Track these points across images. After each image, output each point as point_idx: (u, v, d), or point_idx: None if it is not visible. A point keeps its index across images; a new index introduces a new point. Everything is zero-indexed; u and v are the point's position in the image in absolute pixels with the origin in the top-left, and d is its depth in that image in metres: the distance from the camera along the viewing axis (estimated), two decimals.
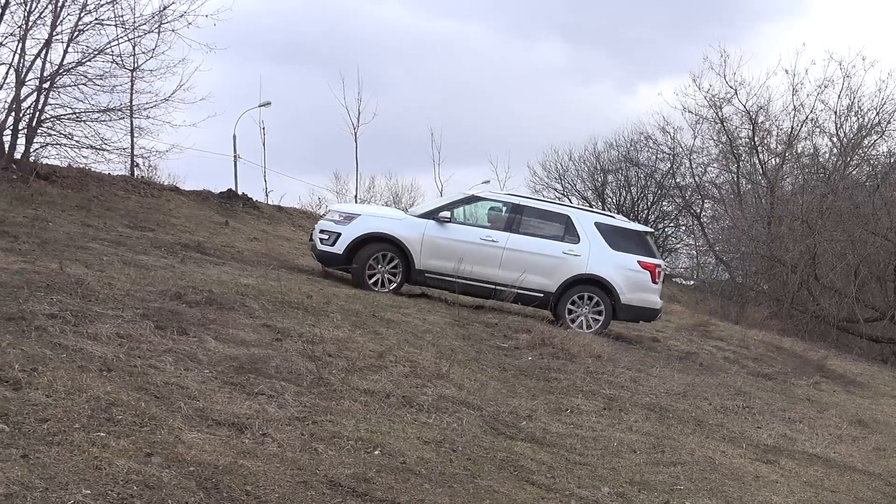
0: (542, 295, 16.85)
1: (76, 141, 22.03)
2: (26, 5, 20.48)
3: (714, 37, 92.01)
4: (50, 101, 21.44)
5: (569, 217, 17.42)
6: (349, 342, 10.55)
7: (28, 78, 20.89)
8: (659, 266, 17.42)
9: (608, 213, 19.61)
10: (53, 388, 6.52)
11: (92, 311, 9.00)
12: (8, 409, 5.99)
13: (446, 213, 16.76)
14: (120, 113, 22.47)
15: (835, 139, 37.24)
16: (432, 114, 77.02)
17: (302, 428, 7.17)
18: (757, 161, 39.19)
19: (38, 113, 21.15)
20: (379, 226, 16.55)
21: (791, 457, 10.07)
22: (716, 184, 42.83)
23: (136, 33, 22.14)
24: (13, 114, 20.64)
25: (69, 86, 21.64)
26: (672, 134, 43.97)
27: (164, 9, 22.15)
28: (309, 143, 59.84)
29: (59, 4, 20.73)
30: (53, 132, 21.86)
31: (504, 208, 17.34)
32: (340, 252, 16.29)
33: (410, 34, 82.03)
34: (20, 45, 20.62)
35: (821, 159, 37.03)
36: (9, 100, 20.75)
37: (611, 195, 46.97)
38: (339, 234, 16.36)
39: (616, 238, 17.32)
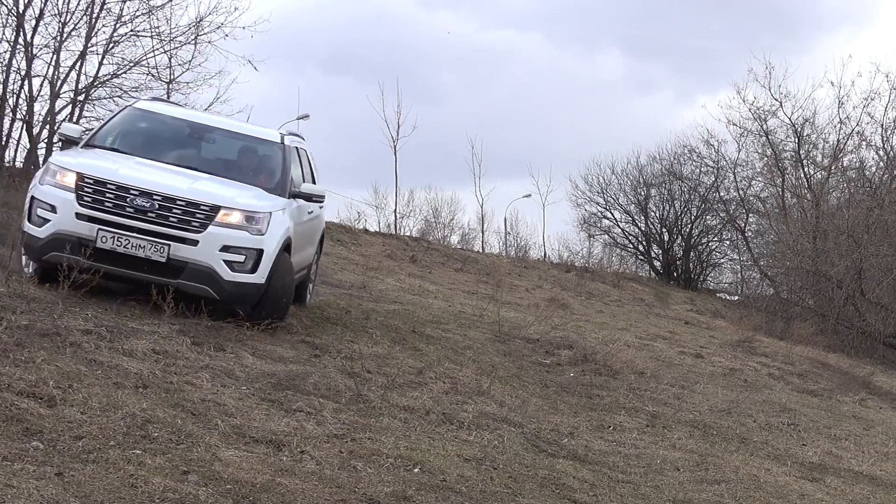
0: (306, 271, 12.67)
1: None
2: (61, 17, 20.63)
3: (777, 48, 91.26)
4: (85, 113, 21.62)
5: (297, 153, 12.40)
6: (388, 358, 10.50)
7: (63, 90, 21.06)
8: None
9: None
10: (89, 405, 6.51)
11: (127, 326, 8.99)
12: (43, 426, 5.98)
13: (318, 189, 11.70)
14: None
15: (881, 152, 36.73)
16: (482, 125, 76.87)
17: (340, 445, 7.11)
18: (802, 174, 38.76)
19: None
20: (290, 225, 10.76)
21: (837, 475, 9.91)
22: (760, 198, 42.39)
23: (173, 45, 22.24)
24: (48, 126, 20.76)
25: (104, 98, 21.80)
26: (716, 147, 43.39)
27: (201, 20, 22.23)
28: (350, 155, 59.82)
29: (95, 16, 20.87)
30: None
31: (280, 156, 11.69)
32: (262, 281, 10.14)
33: (465, 44, 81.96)
34: (55, 56, 20.79)
35: (867, 173, 36.57)
36: (43, 112, 20.91)
37: (654, 209, 46.57)
38: (259, 252, 10.04)
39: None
